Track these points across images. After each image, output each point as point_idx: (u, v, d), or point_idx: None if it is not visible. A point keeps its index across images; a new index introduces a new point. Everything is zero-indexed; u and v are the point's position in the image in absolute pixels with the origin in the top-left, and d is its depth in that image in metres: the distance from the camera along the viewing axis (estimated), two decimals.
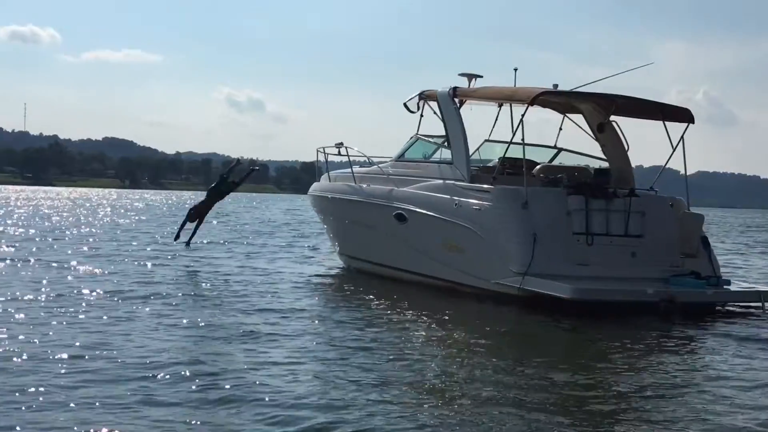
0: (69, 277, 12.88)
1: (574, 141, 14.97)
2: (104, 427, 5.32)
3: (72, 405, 5.78)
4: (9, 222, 28.35)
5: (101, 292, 11.15)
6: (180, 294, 11.39)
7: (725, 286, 12.06)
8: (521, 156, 12.77)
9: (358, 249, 15.09)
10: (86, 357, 7.21)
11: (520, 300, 11.05)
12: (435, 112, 13.87)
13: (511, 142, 13.26)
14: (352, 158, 15.70)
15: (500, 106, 14.54)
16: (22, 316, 9.10)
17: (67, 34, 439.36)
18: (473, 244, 11.98)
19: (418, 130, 14.63)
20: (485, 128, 15.13)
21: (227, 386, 6.36)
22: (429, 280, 12.86)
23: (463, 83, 14.03)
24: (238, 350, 7.81)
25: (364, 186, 14.70)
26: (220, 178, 18.88)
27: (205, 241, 20.55)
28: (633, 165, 14.14)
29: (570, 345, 9.19)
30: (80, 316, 9.29)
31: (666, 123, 13.16)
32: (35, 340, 7.86)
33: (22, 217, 32.41)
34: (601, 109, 13.67)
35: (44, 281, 12.14)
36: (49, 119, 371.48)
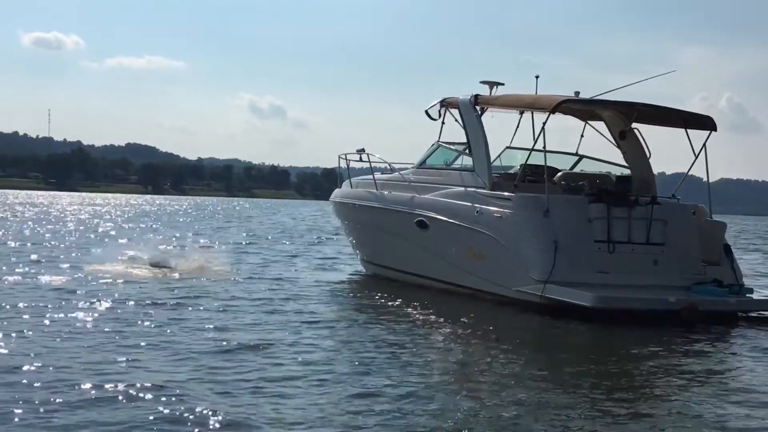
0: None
1: (596, 148, 15.00)
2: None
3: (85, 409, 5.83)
4: None
5: (116, 294, 11.24)
6: (202, 299, 11.47)
7: (748, 295, 11.99)
8: (542, 163, 12.81)
9: (380, 256, 15.16)
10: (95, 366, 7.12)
11: (542, 307, 11.07)
12: (456, 120, 13.94)
13: (532, 149, 13.31)
14: (373, 164, 15.79)
15: (521, 113, 14.56)
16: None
17: (91, 41, 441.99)
18: (494, 252, 11.99)
19: (439, 138, 14.68)
20: (506, 135, 15.20)
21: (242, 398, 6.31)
22: (450, 287, 12.91)
23: (484, 91, 14.08)
24: (258, 359, 7.77)
25: (386, 193, 14.75)
26: None
27: (223, 247, 20.66)
28: (655, 172, 14.16)
29: (590, 353, 9.15)
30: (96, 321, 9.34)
31: (688, 131, 13.14)
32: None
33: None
34: (623, 117, 13.67)
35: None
36: (72, 125, 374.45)
